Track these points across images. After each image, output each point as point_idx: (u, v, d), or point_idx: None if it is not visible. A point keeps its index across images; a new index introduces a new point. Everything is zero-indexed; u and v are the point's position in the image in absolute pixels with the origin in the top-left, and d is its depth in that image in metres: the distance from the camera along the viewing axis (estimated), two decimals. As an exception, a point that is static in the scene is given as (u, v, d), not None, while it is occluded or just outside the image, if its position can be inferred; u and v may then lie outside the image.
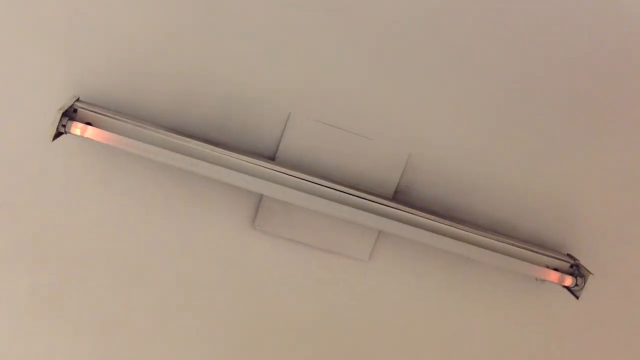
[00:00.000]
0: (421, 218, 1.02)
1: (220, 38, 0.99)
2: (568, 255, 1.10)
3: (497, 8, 1.01)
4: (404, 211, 1.02)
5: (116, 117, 0.93)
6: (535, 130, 1.08)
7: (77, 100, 0.94)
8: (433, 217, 1.02)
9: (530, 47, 1.04)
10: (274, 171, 0.98)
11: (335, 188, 1.00)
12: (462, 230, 1.03)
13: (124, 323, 1.09)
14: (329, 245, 1.08)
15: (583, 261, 1.07)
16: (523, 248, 1.05)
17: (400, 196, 1.09)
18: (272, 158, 1.05)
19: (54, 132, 0.89)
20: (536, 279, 1.10)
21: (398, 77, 1.04)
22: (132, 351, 1.11)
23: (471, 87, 1.05)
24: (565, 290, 1.08)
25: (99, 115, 0.93)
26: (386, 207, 1.01)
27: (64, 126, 0.90)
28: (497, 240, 1.04)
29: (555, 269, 1.06)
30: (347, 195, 1.00)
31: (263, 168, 0.97)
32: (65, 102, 0.93)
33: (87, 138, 0.91)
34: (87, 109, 0.93)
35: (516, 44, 1.03)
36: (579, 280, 1.05)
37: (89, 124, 0.92)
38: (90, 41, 0.96)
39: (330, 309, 1.12)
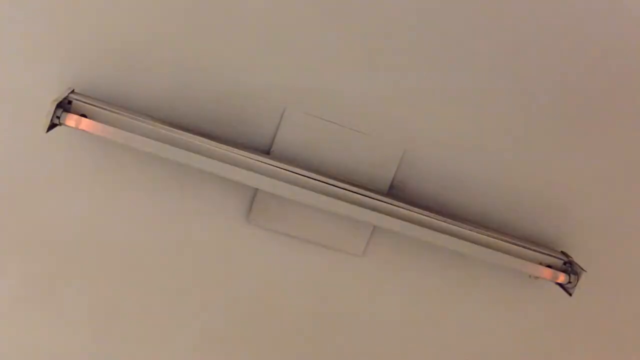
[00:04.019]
0: (415, 214, 1.02)
1: (217, 31, 0.98)
2: (562, 252, 1.10)
3: (493, 4, 1.01)
4: (399, 207, 1.02)
5: (111, 109, 0.93)
6: (531, 127, 1.08)
7: (72, 91, 0.94)
8: (427, 212, 1.03)
9: (525, 45, 1.04)
10: (269, 165, 0.98)
11: (330, 183, 1.00)
12: (456, 226, 1.03)
13: (116, 315, 1.09)
14: (323, 239, 1.08)
15: (576, 258, 1.08)
16: (517, 245, 1.06)
17: (394, 192, 1.09)
18: (267, 152, 1.04)
19: (48, 123, 0.88)
20: (529, 275, 1.10)
21: (394, 73, 1.03)
22: (123, 342, 1.11)
23: (467, 84, 1.05)
24: (558, 287, 1.08)
25: (94, 107, 0.92)
26: (381, 203, 1.01)
27: (58, 118, 0.90)
28: (491, 237, 1.05)
29: (549, 266, 1.07)
30: (341, 190, 1.00)
31: (258, 162, 0.97)
32: (59, 94, 0.93)
33: (81, 130, 0.91)
34: (81, 101, 0.92)
35: (512, 41, 1.03)
36: (572, 277, 1.06)
37: (83, 115, 0.92)
38: (86, 33, 0.96)
39: (324, 303, 1.12)
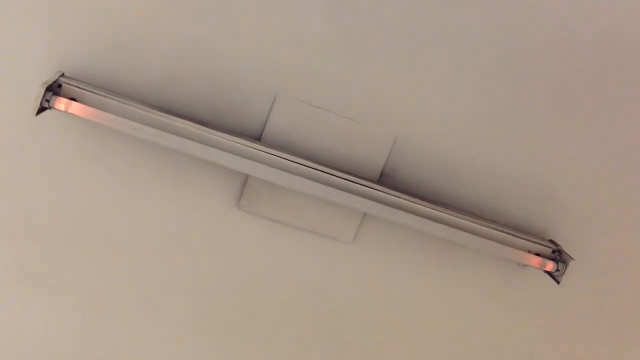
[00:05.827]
0: (406, 201, 1.03)
1: (208, 16, 0.98)
2: (550, 240, 1.11)
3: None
4: (389, 194, 1.02)
5: (101, 93, 0.92)
6: (521, 115, 1.08)
7: (62, 75, 0.93)
8: (418, 200, 1.03)
9: (515, 31, 1.04)
10: (259, 151, 0.97)
11: (321, 169, 1.00)
12: (447, 214, 1.04)
13: (106, 299, 1.09)
14: (314, 226, 1.09)
15: (565, 247, 1.09)
16: (506, 233, 1.06)
17: (385, 179, 1.09)
18: (258, 138, 1.04)
19: (37, 107, 0.88)
20: (518, 263, 1.11)
21: (385, 60, 1.03)
22: (114, 328, 1.11)
23: (458, 71, 1.05)
24: (547, 275, 1.09)
25: (84, 91, 0.92)
26: (371, 190, 1.01)
27: (47, 101, 0.89)
28: (481, 225, 1.05)
29: (537, 254, 1.07)
30: (332, 177, 1.00)
31: (249, 148, 0.97)
32: (49, 77, 0.92)
33: (71, 114, 0.91)
34: (71, 85, 0.92)
35: (502, 27, 1.03)
36: (560, 265, 1.07)
37: (73, 99, 0.91)
38: (76, 16, 0.95)
39: (314, 290, 1.13)
